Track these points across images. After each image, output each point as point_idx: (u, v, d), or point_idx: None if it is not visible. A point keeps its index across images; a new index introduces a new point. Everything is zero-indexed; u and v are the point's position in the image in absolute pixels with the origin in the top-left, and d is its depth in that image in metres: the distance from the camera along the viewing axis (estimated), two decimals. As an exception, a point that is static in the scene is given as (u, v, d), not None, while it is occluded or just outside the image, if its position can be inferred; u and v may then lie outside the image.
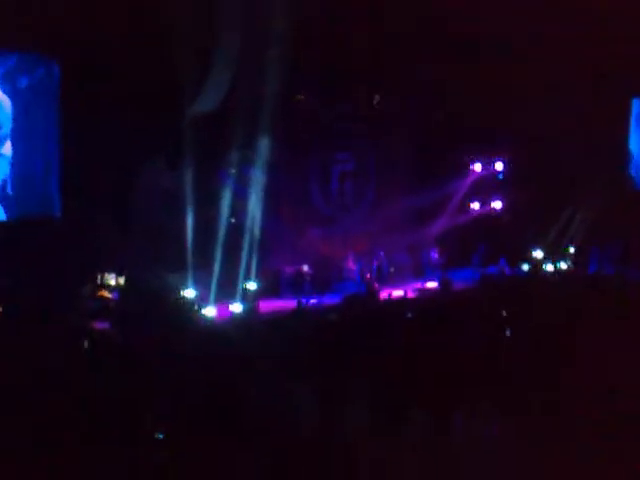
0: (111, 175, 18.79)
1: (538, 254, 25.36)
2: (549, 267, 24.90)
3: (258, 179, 20.90)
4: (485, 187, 26.70)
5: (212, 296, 19.17)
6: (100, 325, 16.53)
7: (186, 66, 17.91)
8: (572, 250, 25.72)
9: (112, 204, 19.09)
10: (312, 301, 19.48)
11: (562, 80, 22.61)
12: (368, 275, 23.30)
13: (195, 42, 17.60)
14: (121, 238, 18.87)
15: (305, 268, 22.34)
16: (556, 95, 22.75)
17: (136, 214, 19.36)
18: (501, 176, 27.04)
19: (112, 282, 19.01)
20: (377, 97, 24.20)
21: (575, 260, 25.51)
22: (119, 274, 19.10)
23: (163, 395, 10.53)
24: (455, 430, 10.10)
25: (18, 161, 18.22)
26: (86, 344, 13.09)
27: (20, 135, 18.17)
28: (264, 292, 20.72)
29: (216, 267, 19.52)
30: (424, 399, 10.44)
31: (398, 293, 20.98)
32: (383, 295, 20.50)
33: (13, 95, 17.99)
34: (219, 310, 18.80)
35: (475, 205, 26.66)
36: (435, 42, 21.26)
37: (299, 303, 18.73)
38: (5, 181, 18.14)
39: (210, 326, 17.69)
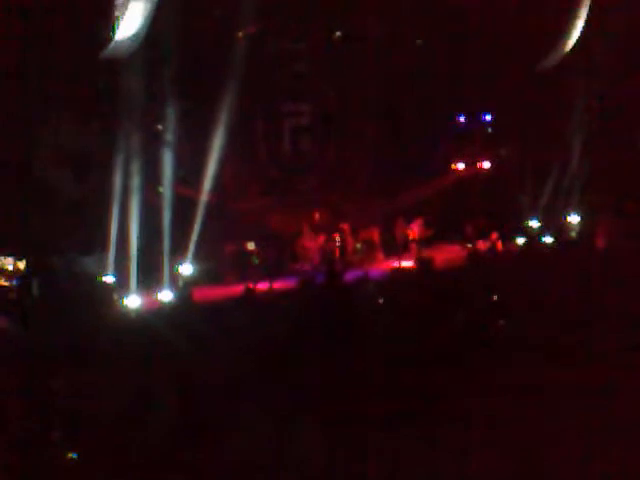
0: (5, 132, 18.47)
1: (534, 224, 25.44)
2: (547, 239, 24.95)
3: (191, 136, 20.74)
4: (471, 143, 26.65)
5: (135, 283, 19.08)
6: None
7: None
8: (575, 219, 25.81)
9: (7, 169, 18.70)
10: (260, 286, 19.32)
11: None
12: (329, 254, 23.14)
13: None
14: (21, 212, 18.65)
15: (251, 246, 22.19)
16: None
17: (39, 182, 19.07)
18: (490, 130, 27.01)
19: (10, 267, 18.83)
20: (338, 33, 23.95)
21: (580, 231, 25.60)
22: (19, 257, 18.89)
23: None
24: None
25: None
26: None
27: None
28: (201, 277, 20.59)
29: (140, 247, 19.45)
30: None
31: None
32: (348, 278, 20.30)
33: None
34: (145, 300, 18.74)
35: (460, 165, 26.63)
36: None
37: (247, 290, 18.54)
38: None
39: (134, 320, 17.77)
